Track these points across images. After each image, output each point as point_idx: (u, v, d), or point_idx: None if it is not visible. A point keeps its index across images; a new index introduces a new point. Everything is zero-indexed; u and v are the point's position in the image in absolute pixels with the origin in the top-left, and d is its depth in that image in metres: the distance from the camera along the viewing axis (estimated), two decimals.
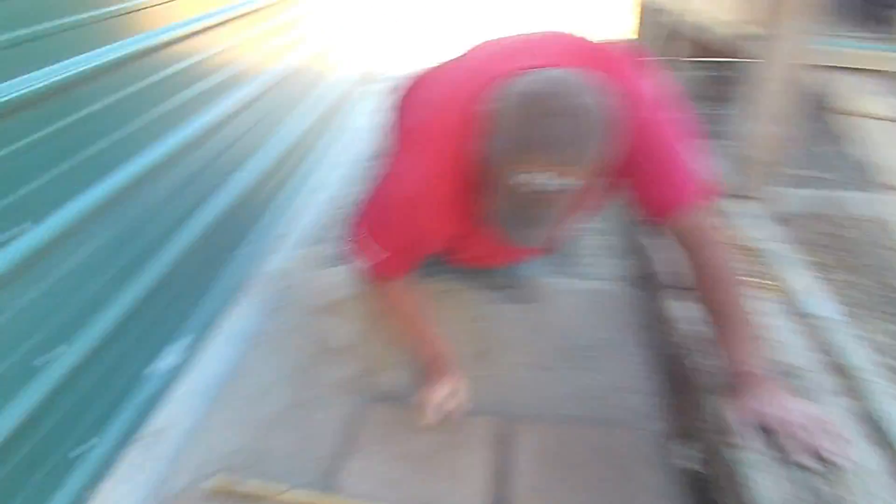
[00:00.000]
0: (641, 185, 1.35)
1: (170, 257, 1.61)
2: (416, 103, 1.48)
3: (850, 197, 2.21)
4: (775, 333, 1.54)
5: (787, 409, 1.21)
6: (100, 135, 1.34)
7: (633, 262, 2.23)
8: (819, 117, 2.65)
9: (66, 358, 1.26)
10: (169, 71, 1.62)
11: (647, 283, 2.00)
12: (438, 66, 1.53)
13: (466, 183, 1.30)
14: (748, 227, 1.98)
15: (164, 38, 1.60)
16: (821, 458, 1.15)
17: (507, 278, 2.00)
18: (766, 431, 1.20)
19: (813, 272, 1.82)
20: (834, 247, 1.97)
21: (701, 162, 1.37)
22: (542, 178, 1.12)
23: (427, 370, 1.64)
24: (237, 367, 1.80)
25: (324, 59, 2.96)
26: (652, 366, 1.81)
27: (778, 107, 2.00)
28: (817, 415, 1.22)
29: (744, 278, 1.64)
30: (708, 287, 1.36)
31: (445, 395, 1.60)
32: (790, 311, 1.64)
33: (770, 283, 1.75)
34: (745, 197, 2.09)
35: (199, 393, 1.67)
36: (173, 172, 1.64)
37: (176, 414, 1.60)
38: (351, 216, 1.55)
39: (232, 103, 1.92)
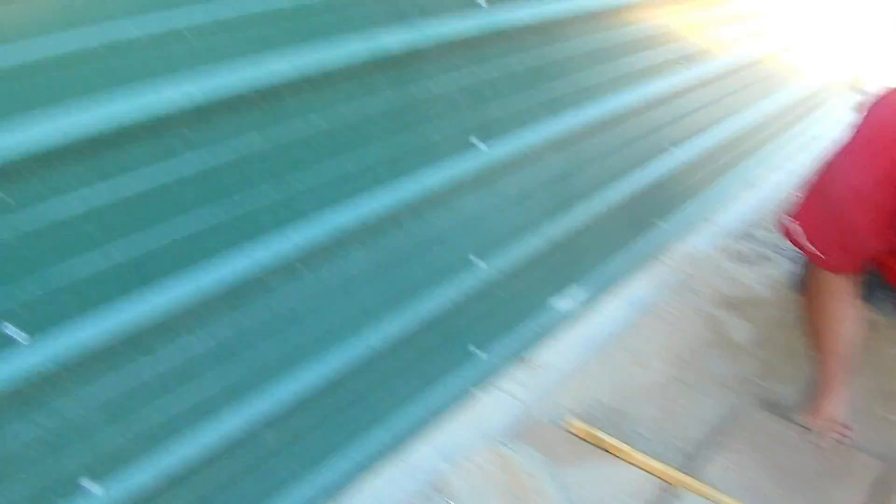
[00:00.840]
0: None
1: (595, 208, 1.70)
2: (882, 107, 1.47)
3: None
4: None
5: None
6: (562, 76, 1.46)
7: None
8: None
9: (494, 263, 1.43)
10: (622, 36, 1.66)
11: None
12: None
13: None
14: None
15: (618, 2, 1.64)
16: None
17: None
18: None
19: None
20: None
21: None
22: None
23: (822, 384, 1.60)
24: (627, 330, 1.84)
25: (789, 58, 2.76)
26: None
27: None
28: None
29: None
30: None
31: (836, 417, 1.56)
32: None
33: None
34: None
35: (588, 342, 1.75)
36: (615, 130, 1.70)
37: (562, 352, 1.71)
38: (792, 205, 1.61)
39: (675, 82, 1.91)
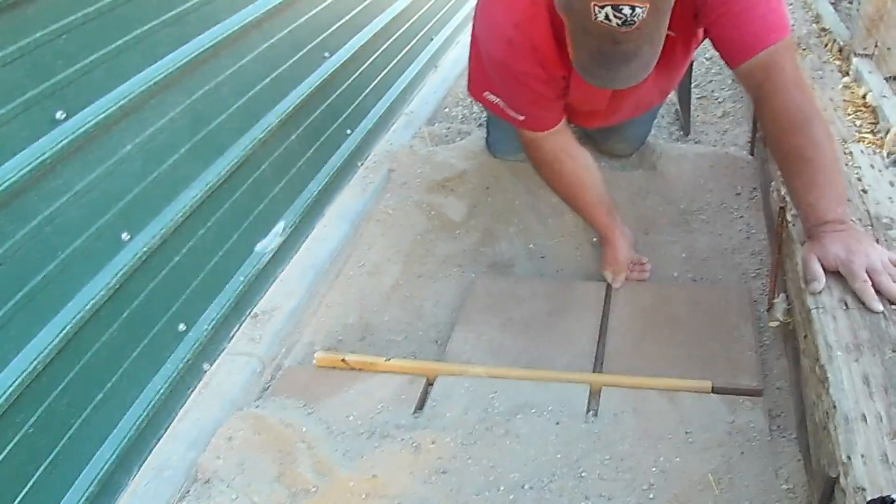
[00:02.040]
0: (718, 32, 1.35)
1: (258, 138, 1.57)
2: None
3: None
4: (873, 184, 1.41)
5: (854, 251, 1.13)
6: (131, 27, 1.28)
7: (750, 127, 2.12)
8: None
9: (156, 233, 1.29)
10: None
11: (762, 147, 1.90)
12: None
13: (556, 28, 1.34)
14: (863, 84, 1.80)
15: None
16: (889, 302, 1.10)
17: (621, 143, 1.98)
18: (834, 274, 1.16)
19: None
20: None
21: (780, 8, 1.34)
22: (604, 11, 1.12)
23: (601, 236, 1.66)
24: (348, 244, 1.79)
25: None
26: (760, 227, 1.76)
27: None
28: (888, 258, 1.14)
29: (839, 128, 1.61)
30: (781, 130, 1.27)
31: (626, 258, 1.63)
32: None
33: (877, 136, 1.60)
34: (862, 55, 1.90)
35: (314, 271, 1.68)
36: (236, 59, 1.55)
37: (290, 292, 1.62)
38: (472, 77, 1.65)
39: None
